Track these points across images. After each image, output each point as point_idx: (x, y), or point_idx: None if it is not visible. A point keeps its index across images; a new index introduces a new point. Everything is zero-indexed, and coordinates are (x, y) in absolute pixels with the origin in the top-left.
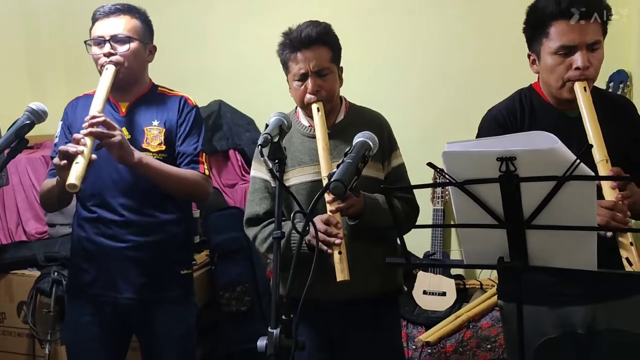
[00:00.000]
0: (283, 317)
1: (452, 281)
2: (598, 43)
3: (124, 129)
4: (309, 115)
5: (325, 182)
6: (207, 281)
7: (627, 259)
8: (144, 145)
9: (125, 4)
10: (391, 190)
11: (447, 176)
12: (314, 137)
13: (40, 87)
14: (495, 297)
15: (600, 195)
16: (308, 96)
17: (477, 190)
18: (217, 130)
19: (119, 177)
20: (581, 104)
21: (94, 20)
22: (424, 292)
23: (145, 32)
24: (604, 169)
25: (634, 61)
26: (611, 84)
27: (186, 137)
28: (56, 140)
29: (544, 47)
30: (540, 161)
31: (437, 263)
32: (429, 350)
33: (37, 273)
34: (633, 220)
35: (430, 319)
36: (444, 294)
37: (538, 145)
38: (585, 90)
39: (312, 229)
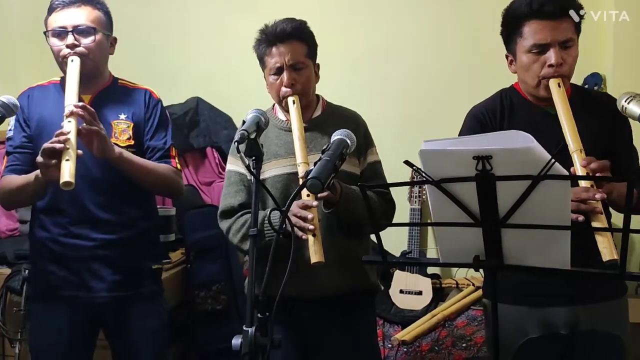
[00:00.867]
0: (259, 315)
1: (429, 280)
2: (571, 41)
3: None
4: (286, 110)
5: (300, 170)
6: (182, 280)
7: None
8: (112, 140)
9: None
10: (367, 188)
11: (423, 174)
12: (290, 130)
13: (12, 78)
14: (471, 296)
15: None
16: (284, 89)
17: (454, 188)
18: (195, 127)
19: (88, 173)
20: (556, 99)
21: (52, 10)
22: (401, 291)
23: (107, 23)
24: (578, 158)
25: (608, 64)
26: (586, 87)
27: (155, 132)
28: (10, 134)
29: (519, 47)
30: (516, 160)
31: (413, 261)
32: (405, 349)
33: (7, 271)
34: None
35: (407, 318)
36: (420, 293)
37: (514, 144)
38: (559, 86)
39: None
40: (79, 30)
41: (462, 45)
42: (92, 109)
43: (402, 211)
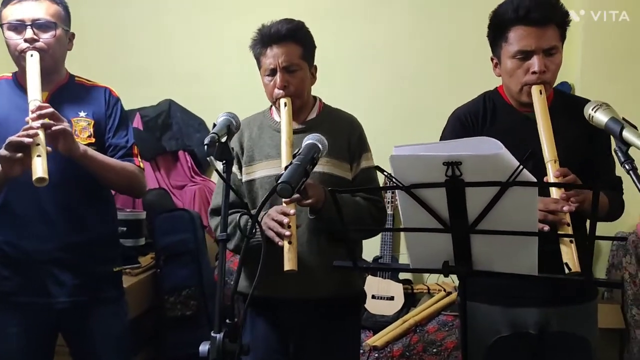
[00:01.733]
0: (227, 320)
1: (400, 286)
2: (555, 48)
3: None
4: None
5: None
6: (151, 285)
7: (566, 264)
8: None
9: None
10: (337, 192)
11: (394, 180)
12: None
13: None
14: (442, 301)
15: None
16: (276, 91)
17: (424, 194)
18: (167, 130)
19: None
20: (537, 107)
21: (8, 1)
22: (373, 297)
23: (66, 18)
24: (552, 169)
25: (577, 73)
26: None
27: (117, 130)
28: None
29: (504, 51)
30: (485, 167)
31: (384, 267)
32: (376, 355)
33: None
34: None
35: (378, 323)
36: (392, 298)
37: (484, 150)
38: (541, 93)
39: (266, 221)
40: (38, 25)
41: (446, 48)
42: (52, 109)
43: None
